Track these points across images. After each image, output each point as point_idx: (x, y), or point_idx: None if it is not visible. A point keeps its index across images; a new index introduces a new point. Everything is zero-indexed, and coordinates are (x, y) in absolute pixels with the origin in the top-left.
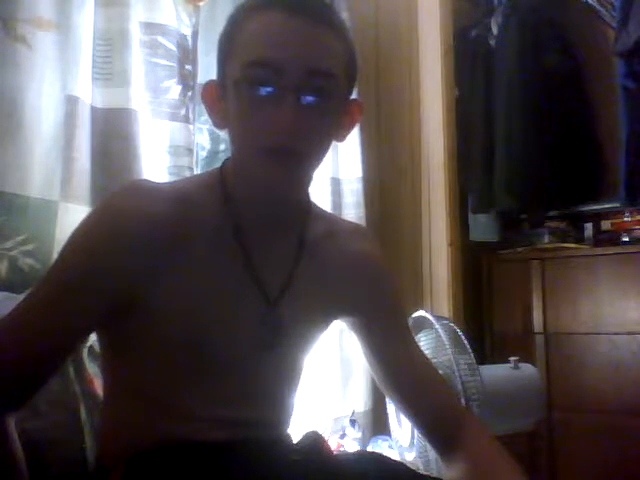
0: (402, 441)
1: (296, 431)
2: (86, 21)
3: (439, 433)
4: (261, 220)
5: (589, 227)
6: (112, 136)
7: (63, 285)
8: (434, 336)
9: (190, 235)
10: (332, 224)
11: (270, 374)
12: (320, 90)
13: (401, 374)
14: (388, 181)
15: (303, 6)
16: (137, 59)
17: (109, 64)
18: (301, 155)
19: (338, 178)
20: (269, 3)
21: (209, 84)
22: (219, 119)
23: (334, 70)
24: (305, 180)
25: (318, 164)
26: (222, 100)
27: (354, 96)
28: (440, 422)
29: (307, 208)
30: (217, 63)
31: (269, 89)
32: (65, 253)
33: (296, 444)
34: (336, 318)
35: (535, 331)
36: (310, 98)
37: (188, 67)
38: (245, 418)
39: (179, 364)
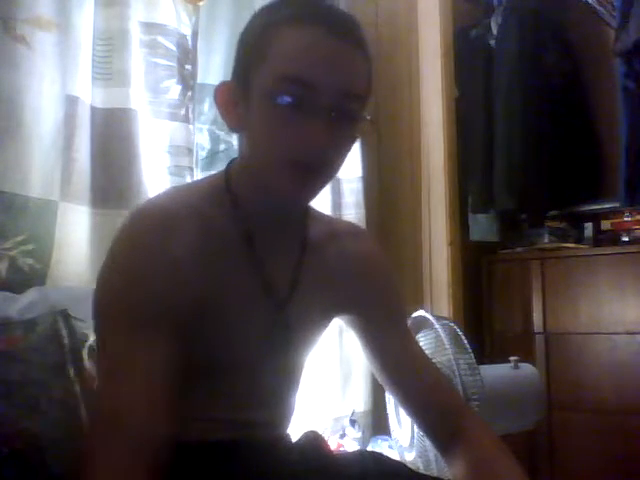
0: (402, 441)
1: (296, 431)
2: (86, 21)
3: (440, 430)
4: (267, 225)
5: (589, 227)
6: (112, 136)
7: (137, 328)
8: (434, 336)
9: (208, 249)
10: (330, 225)
11: (276, 376)
12: (349, 112)
13: (401, 371)
14: (388, 181)
15: (340, 25)
16: (137, 59)
17: (109, 64)
18: (326, 172)
19: (338, 178)
20: (307, 16)
21: (224, 85)
22: (235, 123)
23: (362, 92)
24: (318, 193)
25: (333, 178)
26: (240, 103)
27: None
28: (440, 419)
29: (306, 210)
30: (237, 63)
31: (303, 105)
32: (115, 307)
33: (295, 444)
34: (336, 316)
35: (535, 331)
36: (340, 118)
37: (188, 67)
38: (250, 419)
39: (189, 367)
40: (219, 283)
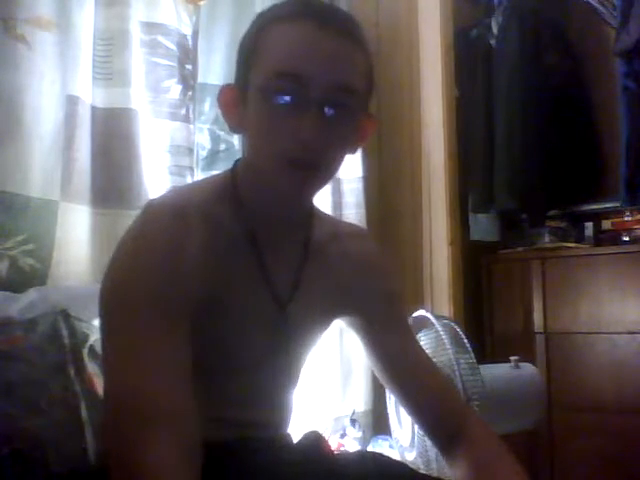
0: (402, 441)
1: (297, 431)
2: (86, 21)
3: (441, 430)
4: (271, 224)
5: (589, 227)
6: (112, 136)
7: (152, 319)
8: (434, 336)
9: (214, 246)
10: (334, 226)
11: (276, 376)
12: (343, 105)
13: (402, 372)
14: (388, 181)
15: (332, 20)
16: (137, 59)
17: (109, 64)
18: (320, 168)
19: (338, 177)
20: (298, 13)
21: (225, 88)
22: (235, 124)
23: (357, 86)
24: (318, 191)
25: (332, 176)
26: (240, 105)
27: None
28: (442, 419)
29: (311, 211)
30: (237, 67)
31: (294, 100)
32: (132, 292)
33: (296, 444)
34: (338, 317)
35: (535, 330)
36: (333, 112)
37: (188, 67)
38: (250, 419)
39: (193, 367)
40: (223, 281)
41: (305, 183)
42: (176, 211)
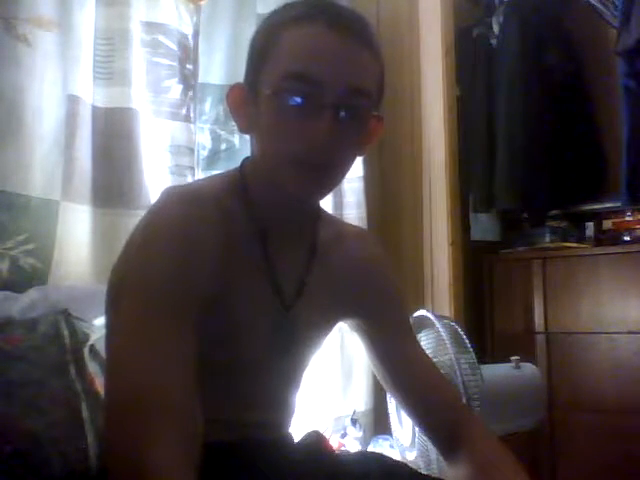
0: (403, 441)
1: (298, 431)
2: (87, 20)
3: (442, 433)
4: (280, 225)
5: (590, 226)
6: (113, 135)
7: (166, 303)
8: (435, 335)
9: (227, 239)
10: (339, 228)
11: (279, 377)
12: (356, 108)
13: (404, 375)
14: (389, 180)
15: (345, 22)
16: (138, 58)
17: (110, 63)
18: (332, 170)
19: None
20: (311, 15)
21: (235, 87)
22: (245, 124)
23: (370, 89)
24: (328, 193)
25: (343, 178)
26: (250, 105)
27: None
28: (443, 422)
29: (317, 212)
30: (247, 67)
31: (307, 102)
32: (143, 279)
33: (297, 444)
34: (341, 320)
35: (536, 330)
36: (347, 115)
37: (189, 66)
38: (252, 420)
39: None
40: (231, 275)
41: (317, 185)
42: (193, 199)
